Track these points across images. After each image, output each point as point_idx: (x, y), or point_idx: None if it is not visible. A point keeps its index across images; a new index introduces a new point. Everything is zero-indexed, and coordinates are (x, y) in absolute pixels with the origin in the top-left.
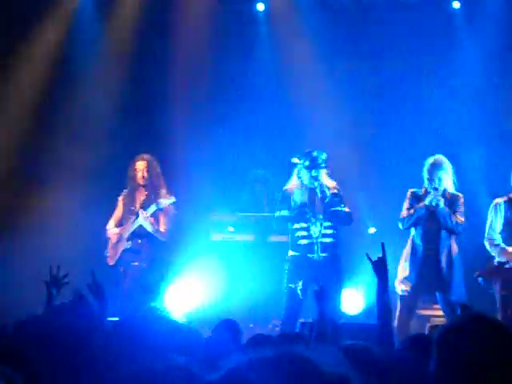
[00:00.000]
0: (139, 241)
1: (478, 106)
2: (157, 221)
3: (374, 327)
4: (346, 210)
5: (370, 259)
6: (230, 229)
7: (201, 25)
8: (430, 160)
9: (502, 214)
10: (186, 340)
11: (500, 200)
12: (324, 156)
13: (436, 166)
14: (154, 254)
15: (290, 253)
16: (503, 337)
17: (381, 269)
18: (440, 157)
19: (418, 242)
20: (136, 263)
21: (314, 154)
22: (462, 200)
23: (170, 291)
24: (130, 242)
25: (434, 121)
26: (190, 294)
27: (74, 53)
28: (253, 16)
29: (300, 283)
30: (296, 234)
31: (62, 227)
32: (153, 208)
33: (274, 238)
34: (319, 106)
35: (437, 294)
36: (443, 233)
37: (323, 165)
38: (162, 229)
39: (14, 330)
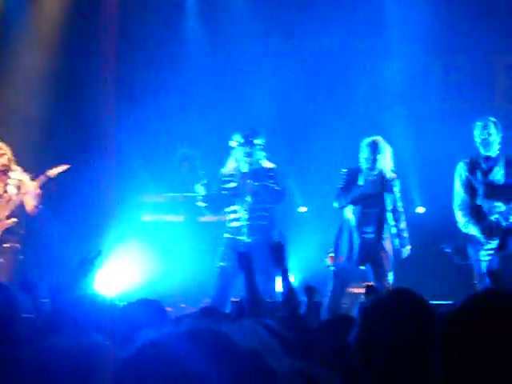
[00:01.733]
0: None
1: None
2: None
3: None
4: (276, 187)
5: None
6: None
7: None
8: (367, 141)
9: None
10: (107, 318)
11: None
12: (261, 141)
13: (372, 147)
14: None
15: (225, 235)
16: (424, 312)
17: (278, 254)
18: (377, 138)
19: (353, 223)
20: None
21: (250, 133)
22: (397, 181)
23: (100, 272)
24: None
25: (367, 102)
26: (120, 275)
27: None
28: None
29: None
30: (228, 217)
31: None
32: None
33: (204, 218)
34: (252, 86)
35: (369, 267)
36: (382, 213)
37: (259, 147)
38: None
39: None
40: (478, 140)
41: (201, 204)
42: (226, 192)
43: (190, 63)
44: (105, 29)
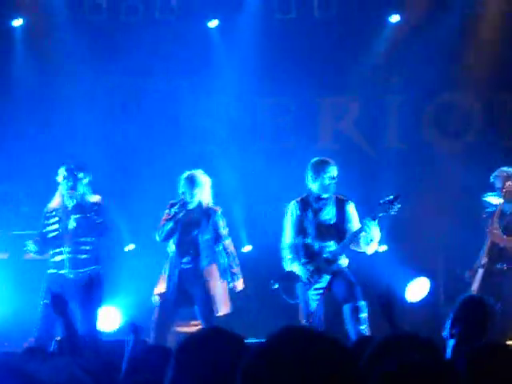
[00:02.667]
0: None
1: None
2: None
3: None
4: (98, 221)
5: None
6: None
7: None
8: (185, 175)
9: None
10: None
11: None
12: (85, 174)
13: (189, 181)
14: None
15: (48, 270)
16: (239, 348)
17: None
18: (195, 172)
19: (175, 254)
20: None
21: (74, 167)
22: (219, 212)
23: None
24: None
25: (196, 140)
26: None
27: None
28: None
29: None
30: (51, 251)
31: None
32: None
33: (29, 256)
34: (83, 122)
35: (195, 307)
36: (202, 243)
37: (84, 181)
38: None
39: None
40: (321, 182)
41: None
42: (49, 228)
43: (16, 96)
44: None
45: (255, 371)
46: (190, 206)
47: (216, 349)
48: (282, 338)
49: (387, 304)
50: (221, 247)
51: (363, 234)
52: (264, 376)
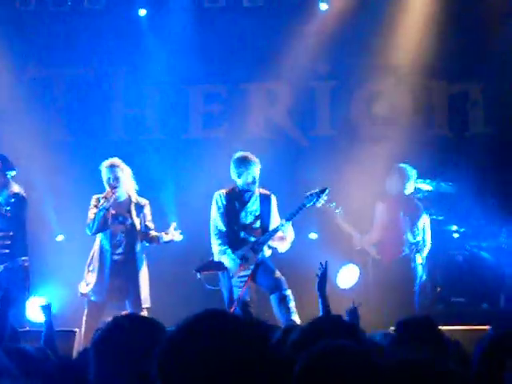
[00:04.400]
0: None
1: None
2: None
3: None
4: (9, 214)
5: None
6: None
7: None
8: (106, 163)
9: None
10: None
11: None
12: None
13: (111, 167)
14: None
15: None
16: (157, 334)
17: None
18: (115, 159)
19: (107, 247)
20: None
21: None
22: (148, 206)
23: None
24: None
25: (125, 129)
26: None
27: None
28: None
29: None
30: None
31: None
32: None
33: None
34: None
35: (126, 301)
36: (129, 237)
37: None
38: None
39: None
40: (244, 179)
41: None
42: None
43: None
44: None
45: (170, 356)
46: (120, 198)
47: (133, 335)
48: (198, 322)
49: (322, 279)
50: (149, 237)
51: (279, 232)
52: (178, 360)
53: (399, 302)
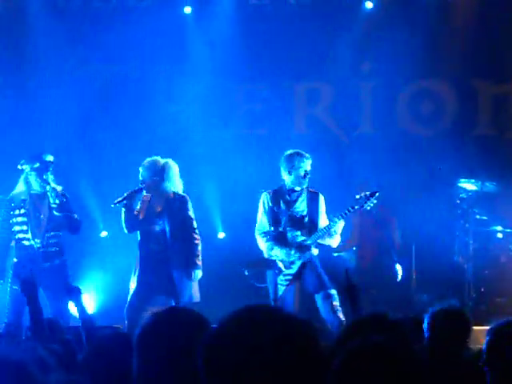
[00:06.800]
0: None
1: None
2: None
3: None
4: (76, 216)
5: None
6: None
7: None
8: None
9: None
10: None
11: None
12: (52, 159)
13: (142, 167)
14: None
15: (14, 260)
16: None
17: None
18: (150, 158)
19: (147, 243)
20: None
21: (46, 157)
22: (189, 203)
23: None
24: None
25: (169, 127)
26: None
27: None
28: None
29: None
30: (19, 243)
31: None
32: None
33: None
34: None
35: (166, 297)
36: (169, 233)
37: (51, 168)
38: None
39: None
40: (295, 175)
41: None
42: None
43: None
44: None
45: (215, 351)
46: (158, 194)
47: (177, 330)
48: (242, 316)
49: (349, 288)
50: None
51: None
52: (222, 354)
53: None
